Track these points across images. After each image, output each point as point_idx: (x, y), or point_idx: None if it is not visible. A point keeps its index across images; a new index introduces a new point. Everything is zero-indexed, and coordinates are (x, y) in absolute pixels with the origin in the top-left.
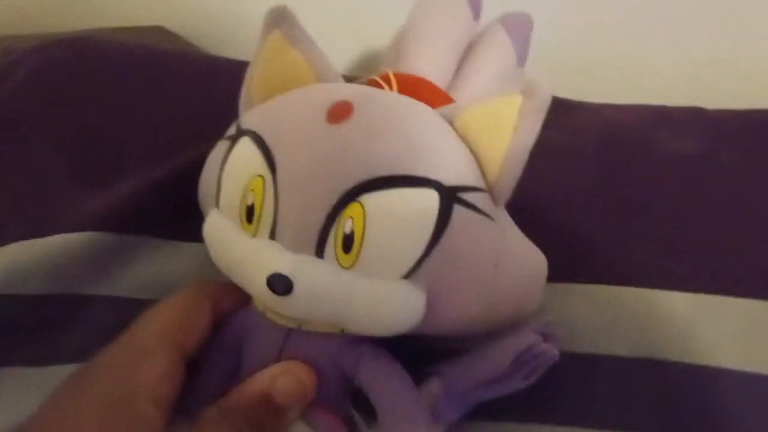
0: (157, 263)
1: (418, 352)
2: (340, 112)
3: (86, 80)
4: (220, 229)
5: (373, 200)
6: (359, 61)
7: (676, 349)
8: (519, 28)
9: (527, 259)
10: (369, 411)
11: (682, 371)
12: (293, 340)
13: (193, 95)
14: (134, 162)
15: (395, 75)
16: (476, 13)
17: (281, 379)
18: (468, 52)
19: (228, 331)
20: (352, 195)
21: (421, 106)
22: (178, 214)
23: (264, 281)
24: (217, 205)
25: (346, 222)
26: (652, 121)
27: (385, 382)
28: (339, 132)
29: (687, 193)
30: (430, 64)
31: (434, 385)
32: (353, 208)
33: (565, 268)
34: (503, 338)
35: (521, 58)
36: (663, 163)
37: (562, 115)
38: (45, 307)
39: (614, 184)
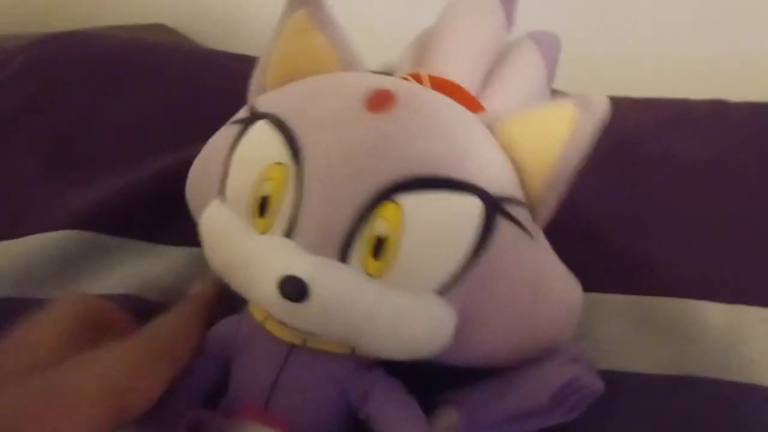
0: (133, 266)
1: (428, 374)
2: (381, 101)
3: (69, 78)
4: (223, 221)
5: (412, 201)
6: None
7: (708, 365)
8: (550, 48)
9: (566, 286)
10: None
11: (714, 389)
12: (296, 358)
13: (181, 89)
14: (116, 160)
15: (429, 76)
16: (509, 20)
17: None
18: (499, 63)
19: (214, 338)
20: (389, 193)
21: (465, 110)
22: (160, 215)
23: (274, 284)
24: (220, 195)
25: (380, 223)
26: (670, 119)
27: (396, 420)
28: (379, 122)
29: (706, 199)
30: (460, 68)
31: (451, 417)
32: (388, 209)
33: (584, 278)
34: (536, 366)
35: (550, 79)
36: (681, 167)
37: None
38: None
39: (629, 191)
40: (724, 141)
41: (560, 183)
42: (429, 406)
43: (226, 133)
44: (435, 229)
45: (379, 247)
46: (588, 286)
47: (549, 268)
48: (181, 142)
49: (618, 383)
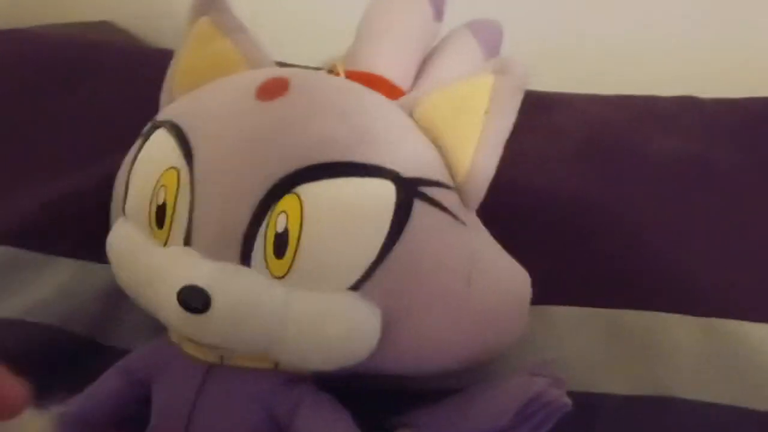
0: (53, 284)
1: (374, 396)
2: (272, 89)
3: (3, 78)
4: (125, 239)
5: (312, 191)
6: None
7: (685, 385)
8: (487, 33)
9: (506, 274)
10: None
11: (695, 411)
12: (214, 378)
13: (124, 90)
14: (47, 168)
15: (345, 71)
16: (438, 12)
17: None
18: (431, 55)
19: (136, 359)
20: (286, 185)
21: (372, 92)
22: (90, 229)
23: (175, 297)
24: (123, 212)
25: (279, 218)
26: (641, 117)
27: None
28: (270, 109)
29: (678, 203)
30: (386, 63)
31: None
32: (288, 202)
33: (551, 289)
34: (499, 383)
35: None
36: (652, 170)
37: (542, 113)
38: None
39: (601, 192)
40: (695, 138)
41: (488, 158)
42: (384, 430)
43: (132, 148)
44: (340, 218)
45: (280, 244)
46: (555, 298)
47: (485, 256)
48: (123, 145)
49: (596, 406)
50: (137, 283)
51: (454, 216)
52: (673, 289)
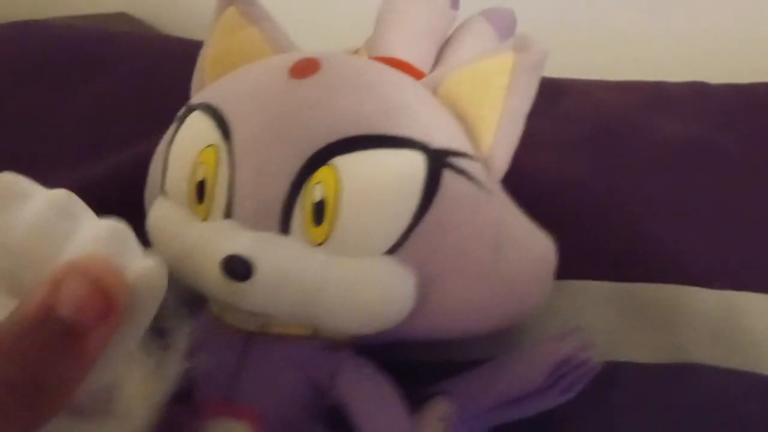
0: None
1: (411, 369)
2: (305, 67)
3: (20, 72)
4: (165, 217)
5: (347, 163)
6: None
7: (706, 352)
8: (502, 21)
9: (532, 241)
10: None
11: (715, 377)
12: (255, 346)
13: (144, 80)
14: (69, 157)
15: (369, 57)
16: (453, 0)
17: (68, 282)
18: (448, 42)
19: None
20: (322, 157)
21: (397, 71)
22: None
23: (218, 267)
24: (162, 192)
25: (315, 188)
26: (651, 103)
27: (368, 398)
28: (304, 86)
29: (689, 184)
30: (405, 48)
31: (441, 407)
32: (324, 172)
33: (569, 264)
34: (527, 349)
35: None
36: (663, 152)
37: (553, 99)
38: None
39: (612, 176)
40: (707, 123)
41: (511, 131)
42: (419, 399)
43: (167, 132)
44: (375, 187)
45: (319, 213)
46: (575, 273)
47: (511, 223)
48: (144, 134)
49: (615, 374)
50: (178, 258)
51: (480, 185)
52: (688, 263)
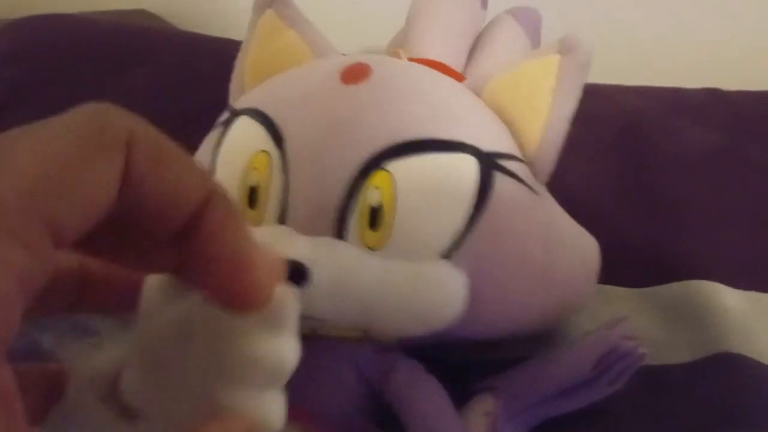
0: None
1: (457, 367)
2: (356, 73)
3: (55, 64)
4: None
5: (402, 167)
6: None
7: (738, 342)
8: (529, 19)
9: (579, 242)
10: None
11: (749, 366)
12: (307, 350)
13: (175, 75)
14: None
15: (408, 58)
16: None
17: None
18: (480, 41)
19: None
20: (377, 161)
21: (444, 76)
22: None
23: None
24: None
25: (372, 193)
26: (670, 107)
27: (421, 400)
28: (357, 93)
29: (714, 189)
30: (440, 47)
31: (488, 403)
32: (379, 177)
33: (604, 268)
34: (572, 343)
35: (534, 47)
36: (687, 157)
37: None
38: None
39: (639, 180)
40: (726, 128)
41: (557, 133)
42: (465, 395)
43: (210, 137)
44: (429, 191)
45: (375, 217)
46: (611, 278)
47: (559, 224)
48: (177, 129)
49: (660, 378)
50: None
51: (530, 187)
52: (715, 263)
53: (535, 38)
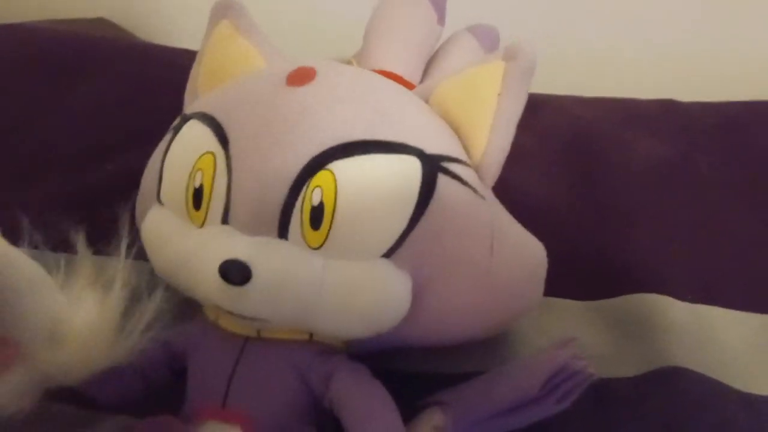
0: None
1: (405, 380)
2: (301, 75)
3: (6, 73)
4: (161, 224)
5: (345, 167)
6: None
7: (687, 357)
8: (487, 36)
9: (524, 244)
10: None
11: (697, 382)
12: (251, 350)
13: (128, 85)
14: (55, 164)
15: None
16: (440, 15)
17: None
18: (436, 55)
19: (176, 334)
20: (320, 161)
21: (392, 81)
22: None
23: (216, 271)
24: (158, 200)
25: (314, 192)
26: (624, 119)
27: (363, 402)
28: (301, 93)
29: (664, 202)
30: (395, 62)
31: (436, 417)
32: (322, 177)
33: (551, 281)
34: (522, 359)
35: None
36: (638, 169)
37: (529, 113)
38: None
39: (589, 191)
40: (679, 140)
41: (503, 137)
42: (413, 409)
43: (162, 142)
44: (372, 191)
45: (317, 217)
46: (559, 290)
47: (504, 228)
48: (130, 142)
49: (606, 391)
50: (174, 264)
51: (474, 190)
52: (663, 276)
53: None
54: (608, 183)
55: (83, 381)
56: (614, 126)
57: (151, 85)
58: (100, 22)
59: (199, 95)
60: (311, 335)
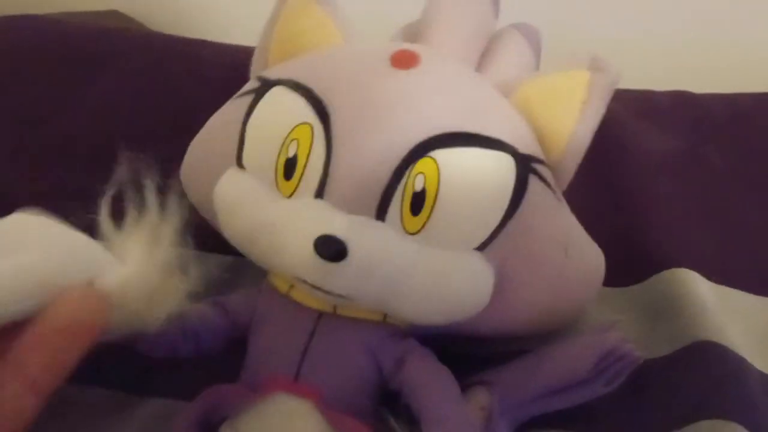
0: None
1: (455, 360)
2: (406, 59)
3: (23, 66)
4: (243, 188)
5: (448, 157)
6: None
7: (713, 331)
8: (533, 36)
9: (590, 248)
10: (407, 420)
11: (725, 355)
12: (325, 326)
13: (145, 76)
14: (75, 155)
15: None
16: (496, 9)
17: None
18: (488, 53)
19: (237, 302)
20: (424, 148)
21: (485, 78)
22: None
23: (310, 245)
24: (238, 164)
25: (417, 178)
26: (638, 111)
27: (433, 386)
28: (407, 77)
29: (679, 193)
30: (455, 52)
31: (482, 397)
32: (425, 164)
33: None
34: (568, 341)
35: (536, 64)
36: (654, 161)
37: None
38: None
39: (603, 183)
40: (692, 132)
41: (580, 144)
42: (462, 388)
43: (235, 105)
44: (472, 184)
45: (417, 203)
46: None
47: (576, 231)
48: (148, 131)
49: (642, 372)
50: (252, 232)
51: (555, 192)
52: (682, 260)
53: (537, 56)
54: (623, 174)
55: (133, 337)
56: (628, 117)
57: (167, 77)
58: (113, 14)
59: (269, 63)
60: (385, 316)
